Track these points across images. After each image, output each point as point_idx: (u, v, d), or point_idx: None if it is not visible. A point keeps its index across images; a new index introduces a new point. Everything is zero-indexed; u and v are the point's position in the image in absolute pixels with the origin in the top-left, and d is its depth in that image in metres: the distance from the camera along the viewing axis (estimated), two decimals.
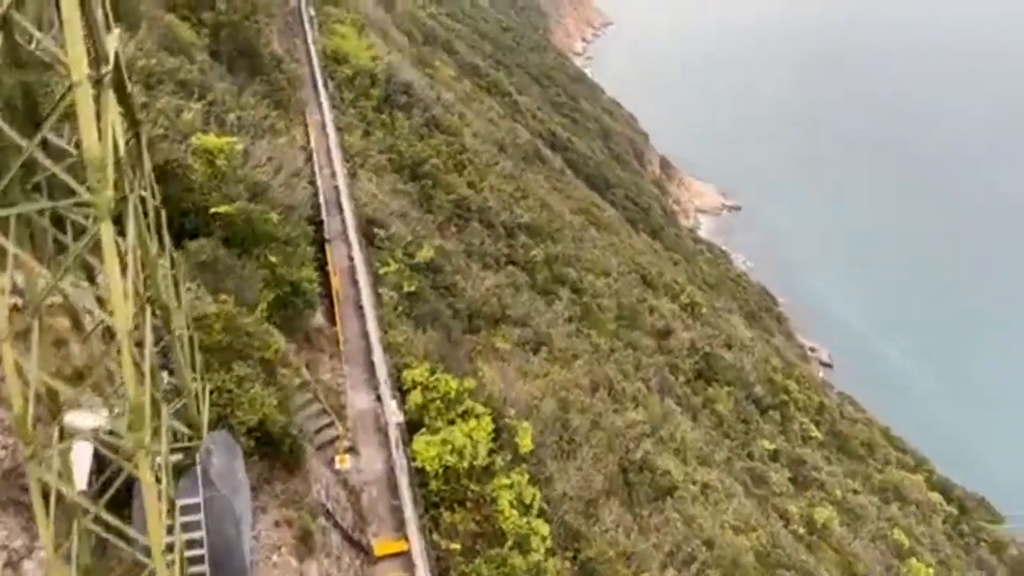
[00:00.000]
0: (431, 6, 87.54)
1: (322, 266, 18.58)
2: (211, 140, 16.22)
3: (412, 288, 18.48)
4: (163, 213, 6.94)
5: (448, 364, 15.69)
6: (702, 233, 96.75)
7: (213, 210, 14.96)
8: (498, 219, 29.46)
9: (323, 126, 25.14)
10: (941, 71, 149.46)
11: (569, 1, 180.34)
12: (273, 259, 15.21)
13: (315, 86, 27.62)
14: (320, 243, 19.17)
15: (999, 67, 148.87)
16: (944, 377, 72.29)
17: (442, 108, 34.02)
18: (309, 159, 21.91)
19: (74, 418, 6.13)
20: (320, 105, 26.27)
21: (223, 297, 10.52)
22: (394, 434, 13.58)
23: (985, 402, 68.71)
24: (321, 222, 19.96)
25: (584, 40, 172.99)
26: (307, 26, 32.03)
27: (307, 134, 24.14)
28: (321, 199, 20.78)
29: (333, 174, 22.74)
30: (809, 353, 77.19)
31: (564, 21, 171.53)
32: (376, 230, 20.61)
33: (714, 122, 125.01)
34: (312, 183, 20.67)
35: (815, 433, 39.84)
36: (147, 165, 6.52)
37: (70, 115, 5.28)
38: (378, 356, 15.59)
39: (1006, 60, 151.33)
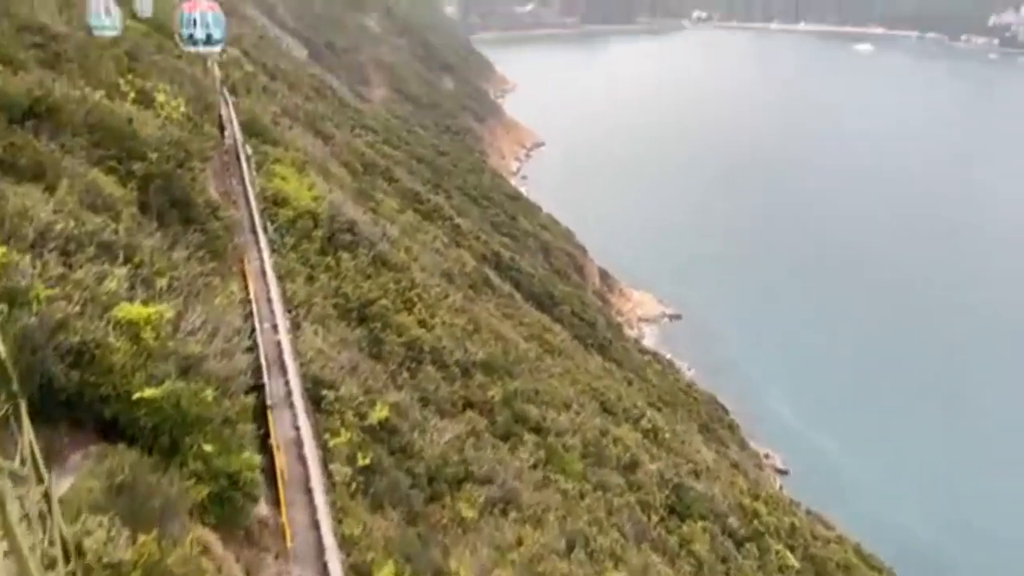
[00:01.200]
0: (368, 135, 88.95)
1: (264, 438, 16.50)
2: (136, 311, 14.36)
3: (366, 462, 16.52)
4: (55, 506, 5.16)
5: (415, 564, 13.64)
6: (647, 343, 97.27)
7: (137, 395, 12.97)
8: (452, 358, 27.86)
9: (263, 274, 23.53)
10: (867, 177, 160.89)
11: (501, 125, 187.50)
12: (208, 448, 13.17)
13: (254, 230, 26.14)
14: (262, 410, 17.18)
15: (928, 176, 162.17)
16: (891, 472, 73.12)
17: (388, 243, 32.93)
18: (248, 315, 20.15)
19: None
20: (260, 251, 24.75)
21: (142, 538, 8.55)
22: None
23: (931, 493, 69.72)
24: (262, 386, 18.00)
25: (518, 160, 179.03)
26: (244, 166, 30.87)
27: (246, 285, 22.44)
28: (262, 359, 18.87)
29: (275, 328, 20.94)
30: (764, 460, 76.34)
31: (498, 144, 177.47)
32: (324, 391, 18.73)
33: (647, 231, 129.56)
34: (252, 341, 18.81)
35: (791, 561, 38.02)
36: (28, 435, 4.80)
37: None
38: (332, 554, 13.46)
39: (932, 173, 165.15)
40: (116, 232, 16.78)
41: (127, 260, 16.08)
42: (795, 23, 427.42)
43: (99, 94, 23.17)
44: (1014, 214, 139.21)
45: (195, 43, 22.37)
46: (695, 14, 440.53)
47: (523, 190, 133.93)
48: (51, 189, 17.07)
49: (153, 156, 21.21)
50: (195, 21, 21.26)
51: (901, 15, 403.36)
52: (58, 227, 15.43)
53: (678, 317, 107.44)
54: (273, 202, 27.15)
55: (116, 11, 21.31)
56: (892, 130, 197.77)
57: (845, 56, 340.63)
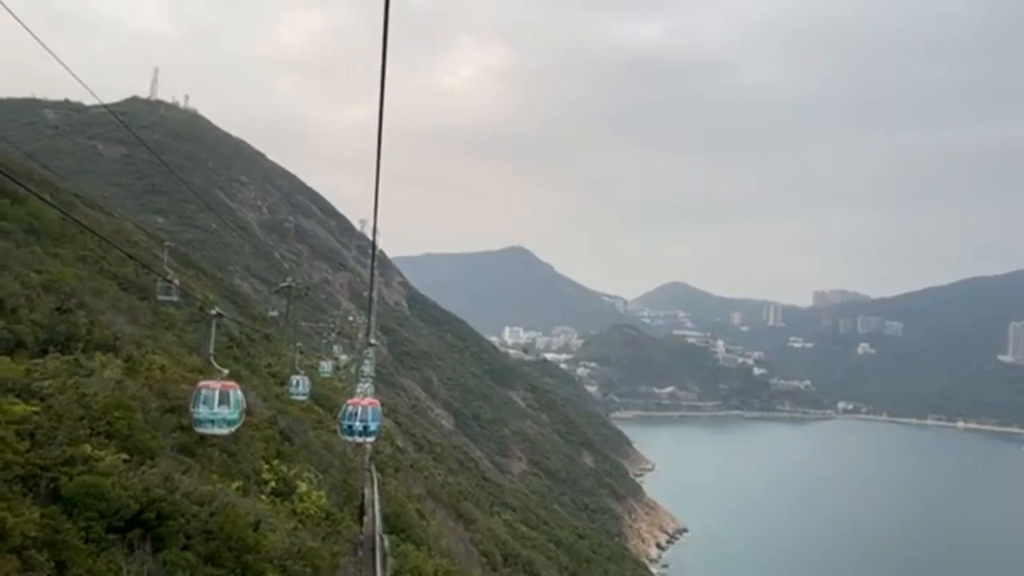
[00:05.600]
0: (507, 513, 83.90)
1: None
2: None
3: None
4: None
5: None
6: None
7: None
8: None
9: None
10: None
11: (641, 506, 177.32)
12: None
13: None
14: None
15: None
16: None
17: None
18: None
19: None
20: None
21: None
22: None
23: None
24: None
25: (659, 547, 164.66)
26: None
27: None
28: None
29: None
30: None
31: (637, 526, 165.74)
32: None
33: None
34: None
35: None
36: None
37: None
38: None
39: None
40: None
41: None
42: (952, 421, 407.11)
43: (235, 486, 19.69)
44: None
45: (352, 434, 20.45)
46: (840, 405, 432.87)
47: None
48: None
49: None
50: (356, 414, 19.83)
51: None
52: None
53: None
54: None
55: (237, 398, 16.16)
56: None
57: (1017, 456, 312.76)
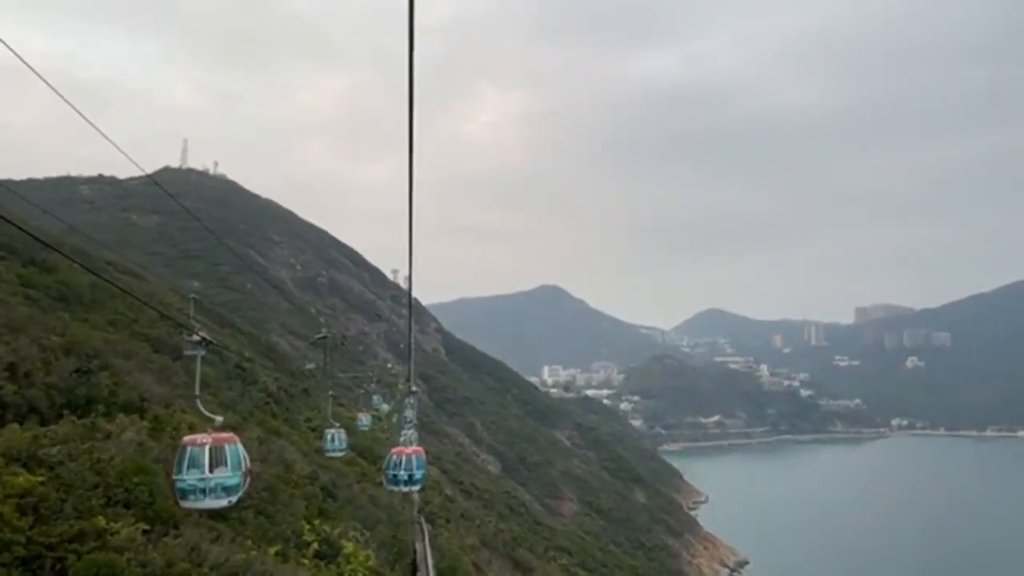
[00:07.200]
0: (563, 557, 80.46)
1: None
2: None
3: None
4: None
5: None
6: None
7: None
8: None
9: None
10: None
11: (698, 539, 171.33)
12: None
13: None
14: None
15: None
16: None
17: None
18: None
19: None
20: None
21: None
22: None
23: None
24: None
25: None
26: None
27: None
28: None
29: None
30: None
31: (696, 561, 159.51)
32: None
33: None
34: None
35: None
36: None
37: None
38: None
39: None
40: None
41: None
42: (1013, 431, 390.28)
43: (273, 551, 17.74)
44: None
45: (397, 483, 18.70)
46: (894, 422, 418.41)
47: None
48: None
49: None
50: (400, 463, 18.25)
51: None
52: None
53: None
54: None
55: (237, 455, 11.71)
56: None
57: None
